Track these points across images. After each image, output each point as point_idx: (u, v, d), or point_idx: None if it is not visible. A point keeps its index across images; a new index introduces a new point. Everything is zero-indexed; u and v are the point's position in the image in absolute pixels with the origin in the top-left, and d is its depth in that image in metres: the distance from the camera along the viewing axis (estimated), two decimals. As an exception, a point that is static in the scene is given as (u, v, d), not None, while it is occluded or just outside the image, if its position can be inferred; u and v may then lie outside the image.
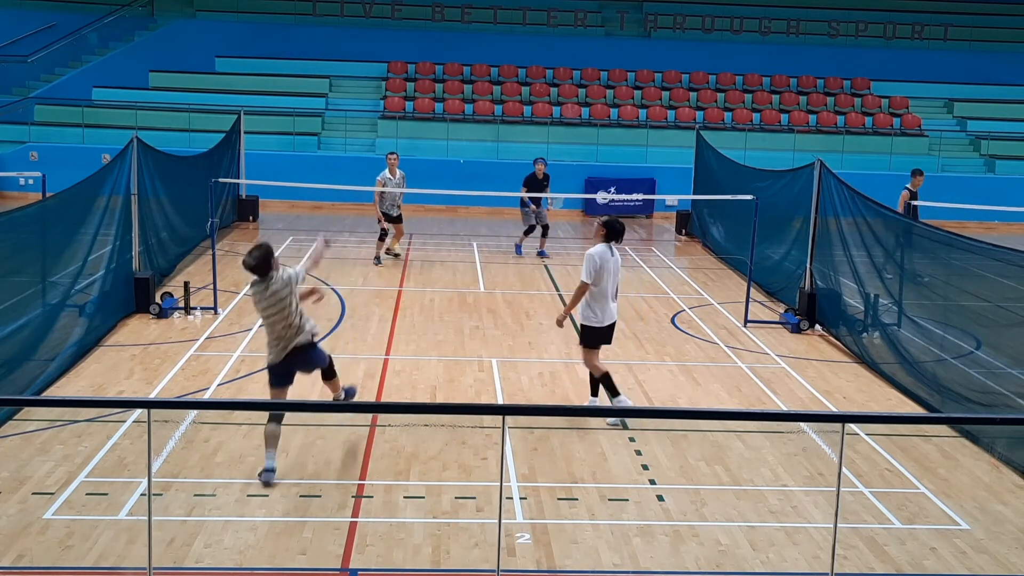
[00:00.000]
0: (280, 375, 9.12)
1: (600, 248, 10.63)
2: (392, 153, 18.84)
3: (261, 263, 8.87)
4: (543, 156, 20.73)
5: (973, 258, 12.46)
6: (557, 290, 17.16)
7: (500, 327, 14.55)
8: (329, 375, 9.67)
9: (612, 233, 10.69)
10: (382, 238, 18.95)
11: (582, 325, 10.86)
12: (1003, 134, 29.24)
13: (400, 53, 30.89)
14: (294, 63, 29.88)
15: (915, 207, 17.86)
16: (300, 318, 9.02)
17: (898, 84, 31.34)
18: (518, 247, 20.35)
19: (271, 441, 8.96)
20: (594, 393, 11.03)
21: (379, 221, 18.72)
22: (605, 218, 10.93)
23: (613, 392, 10.79)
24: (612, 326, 10.89)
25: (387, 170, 18.53)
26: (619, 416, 10.81)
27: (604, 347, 10.99)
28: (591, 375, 10.97)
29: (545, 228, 20.04)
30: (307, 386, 11.54)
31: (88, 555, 7.51)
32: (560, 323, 11.36)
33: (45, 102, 27.93)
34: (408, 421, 10.25)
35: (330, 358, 9.64)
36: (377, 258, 18.93)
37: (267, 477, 8.87)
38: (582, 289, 10.61)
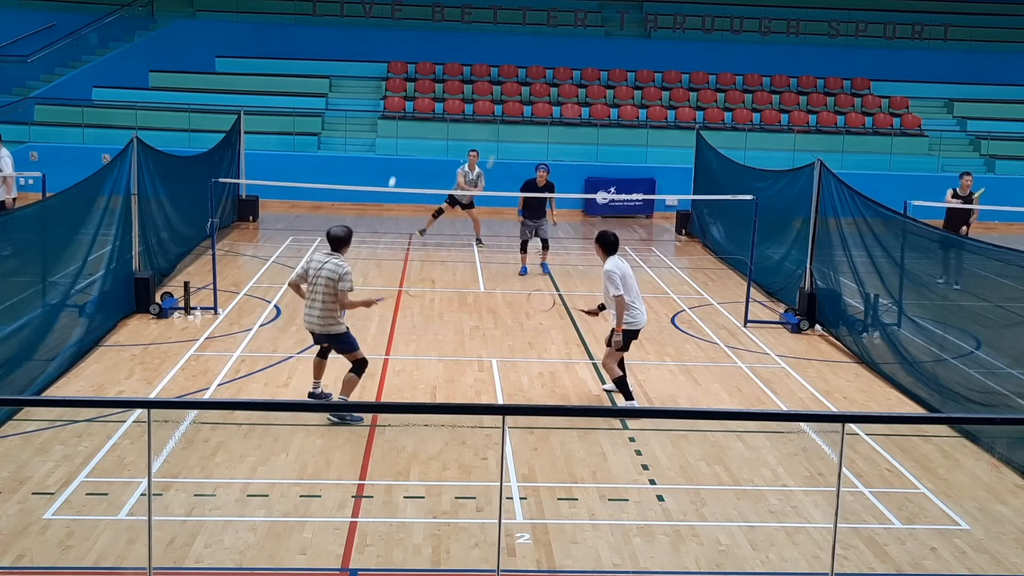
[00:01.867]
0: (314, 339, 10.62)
1: (614, 261, 10.84)
2: (472, 150, 20.66)
3: (345, 238, 10.28)
4: (546, 162, 19.54)
5: (973, 258, 12.47)
6: (557, 290, 17.15)
7: (500, 327, 14.54)
8: (355, 369, 10.33)
9: (610, 246, 10.94)
10: (436, 215, 20.88)
11: (623, 330, 10.86)
12: (1003, 134, 29.22)
13: (400, 53, 30.88)
14: (294, 63, 29.87)
15: (959, 211, 17.65)
16: (322, 309, 10.07)
17: (898, 84, 31.33)
18: (523, 268, 18.48)
19: (317, 371, 10.63)
20: (628, 397, 11.06)
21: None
22: (598, 235, 11.10)
23: (627, 396, 11.02)
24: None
25: (467, 164, 20.42)
26: (624, 416, 10.81)
27: (604, 346, 10.99)
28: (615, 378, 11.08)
29: (545, 243, 18.44)
30: (307, 386, 11.56)
31: (88, 555, 7.51)
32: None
33: (45, 102, 27.91)
34: (408, 421, 10.25)
35: (357, 360, 10.35)
36: (422, 231, 20.99)
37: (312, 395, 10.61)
38: (621, 302, 10.73)
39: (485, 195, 21.78)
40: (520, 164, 26.41)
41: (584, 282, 17.86)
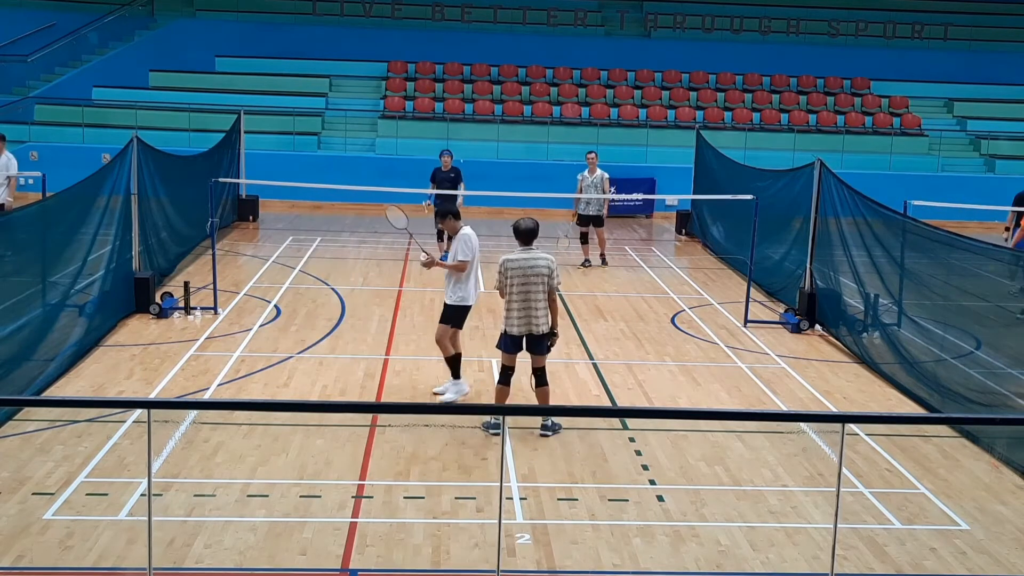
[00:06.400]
0: None
1: (470, 230, 11.02)
2: (591, 152, 19.67)
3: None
4: (448, 148, 19.77)
5: (973, 258, 12.46)
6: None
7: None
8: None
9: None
10: (584, 240, 19.33)
11: (453, 305, 10.95)
12: (1003, 134, 29.23)
13: (400, 53, 30.88)
14: (294, 63, 29.87)
15: None
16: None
17: (898, 84, 31.33)
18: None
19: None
20: (456, 376, 11.19)
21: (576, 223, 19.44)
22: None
23: (455, 375, 11.11)
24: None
25: (587, 169, 19.26)
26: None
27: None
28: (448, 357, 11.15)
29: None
30: (307, 386, 11.57)
31: (88, 555, 7.51)
32: (428, 265, 11.20)
33: (45, 102, 27.92)
34: (408, 421, 10.25)
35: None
36: (586, 260, 19.39)
37: None
38: (461, 267, 10.84)
39: (486, 196, 21.80)
40: (521, 164, 26.53)
41: (584, 281, 17.88)
